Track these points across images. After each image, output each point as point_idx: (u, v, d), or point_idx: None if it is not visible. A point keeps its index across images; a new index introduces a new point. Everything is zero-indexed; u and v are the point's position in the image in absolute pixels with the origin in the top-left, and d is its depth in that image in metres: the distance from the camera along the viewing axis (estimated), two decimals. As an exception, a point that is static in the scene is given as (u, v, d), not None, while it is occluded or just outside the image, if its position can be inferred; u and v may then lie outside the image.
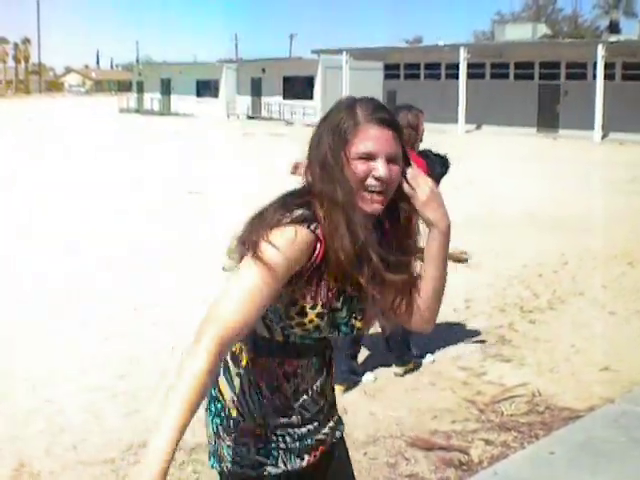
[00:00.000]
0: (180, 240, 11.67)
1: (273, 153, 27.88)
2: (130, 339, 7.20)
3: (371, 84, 50.02)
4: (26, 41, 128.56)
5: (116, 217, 13.85)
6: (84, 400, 5.77)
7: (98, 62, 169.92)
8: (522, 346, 7.03)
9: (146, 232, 12.39)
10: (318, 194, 2.24)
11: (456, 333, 7.28)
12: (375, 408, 5.65)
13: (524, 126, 41.35)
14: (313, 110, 52.29)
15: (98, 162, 23.92)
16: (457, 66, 43.37)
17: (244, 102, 58.34)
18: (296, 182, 2.37)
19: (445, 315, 6.40)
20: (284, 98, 55.19)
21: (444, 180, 6.22)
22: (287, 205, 2.23)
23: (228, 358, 2.45)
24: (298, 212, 2.20)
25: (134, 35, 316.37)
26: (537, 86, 43.43)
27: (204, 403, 2.35)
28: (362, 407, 5.68)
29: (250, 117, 56.60)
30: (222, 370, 2.46)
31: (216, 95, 61.11)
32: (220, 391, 2.49)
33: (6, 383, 6.11)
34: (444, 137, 37.11)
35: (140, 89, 69.18)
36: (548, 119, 42.36)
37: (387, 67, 50.93)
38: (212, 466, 2.54)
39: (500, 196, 16.91)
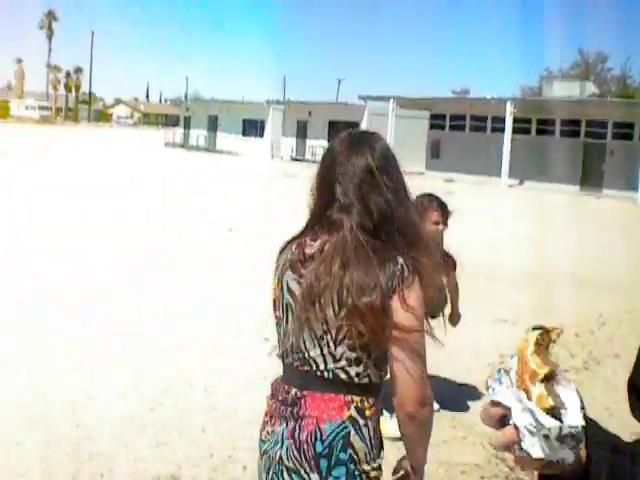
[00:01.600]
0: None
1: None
2: (163, 373, 7.22)
3: (416, 133, 50.23)
4: (78, 70, 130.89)
5: (159, 249, 13.97)
6: (114, 428, 5.80)
7: (147, 95, 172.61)
8: (555, 405, 6.96)
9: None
10: None
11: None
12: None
13: (567, 183, 41.18)
14: (357, 155, 52.34)
15: (145, 193, 24.19)
16: (503, 120, 43.37)
17: (289, 143, 58.67)
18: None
19: (480, 369, 6.37)
20: (328, 141, 55.24)
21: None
22: None
23: (354, 414, 2.39)
24: None
25: (184, 70, 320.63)
26: (582, 144, 43.29)
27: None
28: (388, 458, 5.63)
29: (294, 158, 56.89)
30: (352, 430, 2.39)
31: (261, 135, 61.51)
32: (354, 451, 2.39)
33: (43, 406, 6.16)
34: (486, 190, 37.10)
35: (187, 124, 69.88)
36: (592, 178, 42.15)
37: (433, 117, 51.06)
38: None
39: (543, 253, 16.80)
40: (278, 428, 2.48)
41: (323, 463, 2.37)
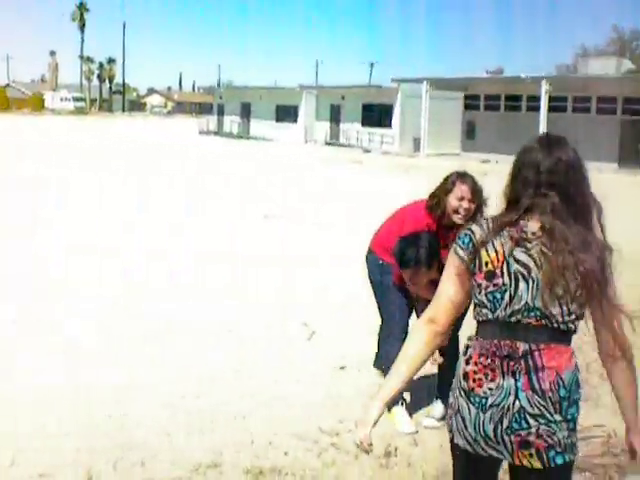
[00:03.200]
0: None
1: (351, 179, 28.02)
2: (208, 360, 7.22)
3: (450, 114, 49.90)
4: (111, 61, 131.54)
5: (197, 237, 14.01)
6: (157, 417, 5.81)
7: (180, 84, 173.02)
8: (599, 386, 6.87)
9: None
10: None
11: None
12: (445, 441, 5.55)
13: (605, 161, 40.70)
14: (391, 138, 52.30)
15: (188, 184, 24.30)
16: (538, 99, 42.92)
17: (322, 128, 58.58)
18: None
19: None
20: (363, 125, 55.27)
21: None
22: None
23: (576, 362, 2.99)
24: None
25: (216, 58, 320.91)
26: (619, 121, 42.74)
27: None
28: (432, 439, 5.60)
29: (328, 143, 56.80)
30: (579, 375, 2.98)
31: (295, 120, 61.46)
32: (580, 392, 2.99)
33: (84, 395, 6.19)
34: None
35: (220, 112, 70.00)
36: (630, 155, 41.63)
37: (467, 97, 50.64)
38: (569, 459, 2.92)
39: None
40: (504, 382, 2.83)
41: (564, 404, 2.85)
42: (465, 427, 2.91)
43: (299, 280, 10.75)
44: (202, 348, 7.57)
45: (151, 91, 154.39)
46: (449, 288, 3.00)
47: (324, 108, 58.80)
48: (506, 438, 2.84)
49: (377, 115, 54.19)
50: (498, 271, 2.88)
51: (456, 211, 5.31)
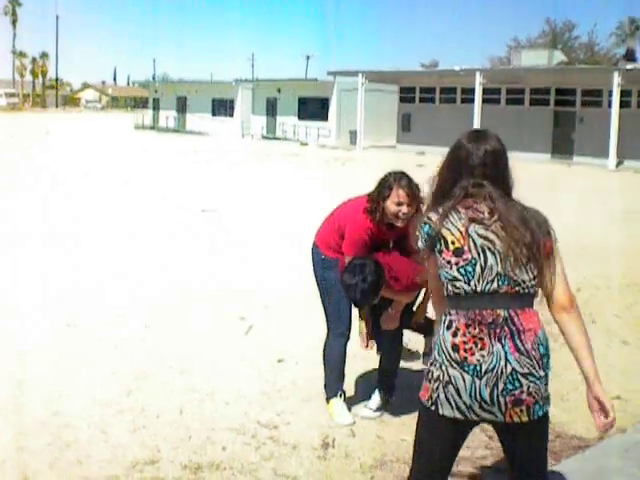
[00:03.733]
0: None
1: (287, 173, 28.03)
2: (139, 357, 7.16)
3: (386, 107, 50.18)
4: (44, 56, 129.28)
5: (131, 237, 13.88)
6: (92, 415, 5.74)
7: (115, 79, 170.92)
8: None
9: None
10: None
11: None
12: (383, 432, 5.61)
13: (538, 152, 41.30)
14: (328, 131, 52.37)
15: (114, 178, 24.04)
16: (473, 91, 43.35)
17: (259, 122, 58.43)
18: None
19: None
20: (299, 119, 55.26)
21: None
22: None
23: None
24: None
25: (151, 52, 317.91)
26: (552, 112, 43.39)
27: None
28: (370, 430, 5.64)
29: (265, 137, 56.70)
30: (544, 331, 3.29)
31: (231, 114, 61.22)
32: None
33: (20, 394, 6.10)
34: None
35: (156, 106, 69.38)
36: (563, 145, 42.30)
37: (402, 90, 50.93)
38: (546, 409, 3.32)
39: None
40: (494, 348, 3.14)
41: (545, 360, 3.23)
42: (459, 396, 3.16)
43: (236, 274, 10.72)
44: (136, 343, 7.50)
45: (85, 86, 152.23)
46: (430, 280, 3.41)
47: (260, 102, 58.66)
48: (501, 400, 3.13)
49: (313, 108, 54.21)
50: (465, 247, 3.20)
51: (396, 215, 5.28)
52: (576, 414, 6.03)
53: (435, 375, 3.22)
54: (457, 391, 3.16)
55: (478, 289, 3.19)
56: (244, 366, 6.96)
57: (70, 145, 40.17)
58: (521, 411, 3.17)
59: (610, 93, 39.15)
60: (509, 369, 3.13)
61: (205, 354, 7.24)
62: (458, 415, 3.18)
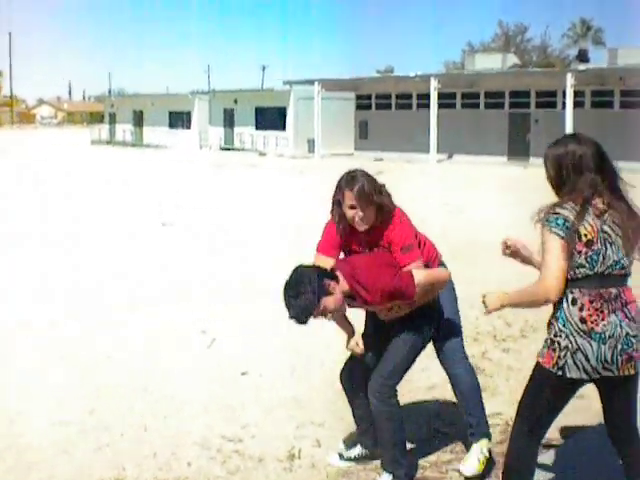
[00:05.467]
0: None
1: (245, 184, 27.98)
2: (100, 373, 7.10)
3: (343, 114, 50.32)
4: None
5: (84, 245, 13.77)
6: (54, 435, 5.68)
7: (70, 94, 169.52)
8: (495, 375, 7.02)
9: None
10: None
11: (430, 361, 7.24)
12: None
13: (495, 155, 41.65)
14: (286, 141, 52.40)
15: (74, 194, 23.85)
16: (428, 96, 43.63)
17: (217, 133, 58.34)
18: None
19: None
20: (257, 129, 55.25)
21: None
22: None
23: None
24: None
25: (107, 67, 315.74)
26: (507, 115, 43.80)
27: None
28: (335, 440, 5.62)
29: (223, 148, 56.59)
30: None
31: (188, 126, 61.09)
32: None
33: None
34: (416, 167, 37.34)
35: (112, 121, 69.05)
36: (519, 147, 42.70)
37: (359, 97, 51.15)
38: None
39: (476, 225, 16.97)
40: (612, 318, 3.82)
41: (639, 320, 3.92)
42: (587, 360, 3.81)
43: (197, 286, 10.67)
44: (98, 361, 7.43)
45: (40, 102, 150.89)
46: (561, 261, 3.84)
47: (217, 113, 58.58)
48: (618, 358, 3.82)
49: (271, 118, 54.22)
50: (595, 239, 3.85)
51: (353, 219, 4.79)
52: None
53: (563, 345, 3.85)
54: (586, 357, 3.81)
55: (598, 272, 3.85)
56: (207, 380, 6.92)
57: (25, 163, 39.75)
58: (631, 365, 3.86)
59: (564, 94, 39.60)
60: (624, 333, 3.83)
61: (167, 369, 7.19)
62: (584, 376, 3.85)
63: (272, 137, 53.30)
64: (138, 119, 66.06)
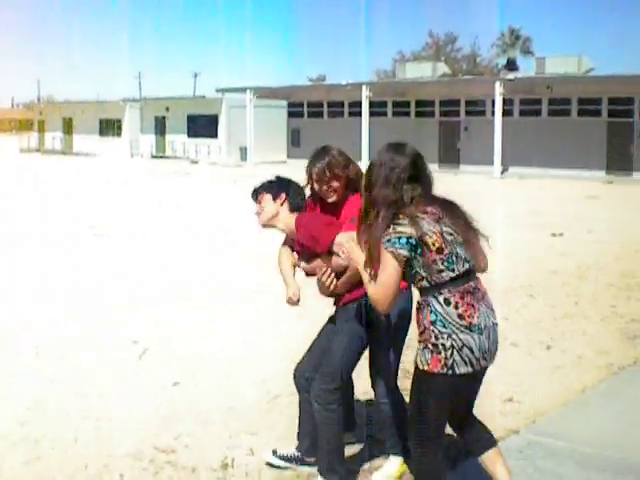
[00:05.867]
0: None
1: (178, 193, 27.82)
2: (30, 384, 6.98)
3: (275, 122, 50.35)
4: None
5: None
6: (-18, 450, 5.57)
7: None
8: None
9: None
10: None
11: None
12: (281, 449, 5.59)
13: (427, 162, 42.02)
14: (218, 148, 52.22)
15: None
16: (360, 104, 43.92)
17: (148, 141, 57.91)
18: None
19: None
20: (188, 137, 54.99)
21: None
22: None
23: None
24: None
25: (35, 73, 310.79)
26: (438, 123, 44.32)
27: None
28: (269, 448, 5.61)
29: (154, 156, 56.17)
30: None
31: (119, 134, 60.54)
32: None
33: None
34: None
35: (41, 128, 68.05)
36: (449, 155, 43.25)
37: (291, 105, 51.27)
38: None
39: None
40: (482, 309, 4.02)
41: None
42: (472, 352, 3.94)
43: (128, 295, 10.57)
44: (28, 372, 7.32)
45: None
46: (395, 281, 3.97)
47: (149, 120, 58.16)
48: (492, 347, 4.05)
49: (203, 126, 54.03)
50: (443, 245, 3.99)
51: (321, 191, 5.01)
52: (470, 419, 6.15)
53: (448, 345, 3.94)
54: (471, 350, 3.94)
55: (458, 272, 4.01)
56: (140, 391, 6.86)
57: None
58: (495, 355, 4.12)
59: (493, 102, 40.22)
60: (492, 322, 4.07)
61: (100, 380, 7.10)
62: (471, 370, 3.97)
63: (204, 145, 53.09)
64: (68, 127, 65.23)
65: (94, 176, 36.30)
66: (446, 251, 4.00)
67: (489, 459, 4.35)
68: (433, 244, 3.96)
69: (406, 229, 3.94)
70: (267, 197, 5.06)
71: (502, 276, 12.07)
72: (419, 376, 4.09)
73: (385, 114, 46.32)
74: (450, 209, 4.15)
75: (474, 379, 4.14)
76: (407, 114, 45.87)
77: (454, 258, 4.02)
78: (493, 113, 40.20)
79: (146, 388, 6.91)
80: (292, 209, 5.04)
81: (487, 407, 6.39)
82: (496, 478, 4.33)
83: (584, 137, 39.05)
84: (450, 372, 3.94)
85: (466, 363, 3.94)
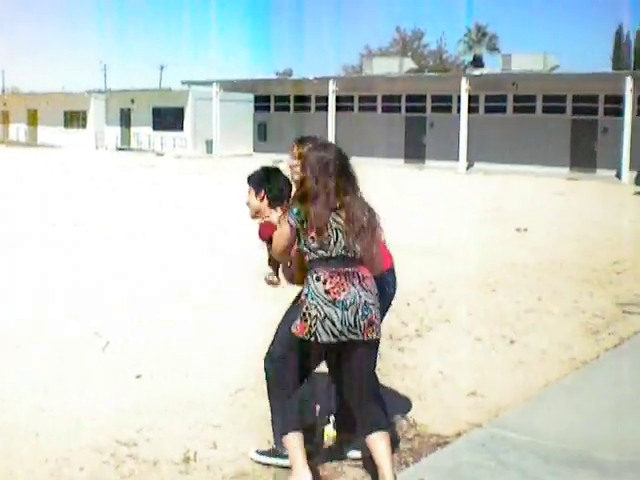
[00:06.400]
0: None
1: (140, 186, 27.67)
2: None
3: (242, 115, 50.21)
4: None
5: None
6: (-61, 443, 5.48)
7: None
8: (390, 374, 7.08)
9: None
10: None
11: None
12: (242, 443, 5.56)
13: (392, 157, 42.19)
14: (184, 141, 52.00)
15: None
16: (327, 99, 43.92)
17: (113, 133, 57.54)
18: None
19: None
20: (154, 129, 54.70)
21: None
22: None
23: None
24: None
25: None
26: (404, 118, 44.42)
27: None
28: (230, 441, 5.58)
29: (119, 148, 55.81)
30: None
31: (84, 126, 60.10)
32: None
33: None
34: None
35: (5, 120, 67.37)
36: (415, 150, 43.37)
37: (257, 99, 51.15)
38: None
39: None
40: (351, 289, 4.52)
41: (378, 296, 4.66)
42: (333, 325, 4.46)
43: (93, 288, 10.47)
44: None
45: None
46: (283, 240, 4.69)
47: (114, 113, 57.78)
48: (361, 322, 4.51)
49: (168, 118, 53.78)
50: (324, 228, 4.57)
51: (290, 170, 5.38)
52: (434, 412, 6.17)
53: (313, 314, 4.48)
54: (332, 322, 4.46)
55: (333, 255, 4.57)
56: (102, 383, 6.78)
57: None
58: (373, 330, 4.56)
59: (459, 99, 40.40)
60: (363, 301, 4.52)
61: (59, 373, 7.02)
62: (333, 339, 4.48)
63: (170, 138, 52.84)
64: (32, 118, 64.64)
65: (62, 170, 35.93)
66: (325, 234, 4.58)
67: (373, 442, 4.63)
68: (317, 224, 4.56)
69: (300, 205, 4.61)
70: (251, 192, 5.34)
71: (466, 271, 12.15)
72: (292, 336, 4.64)
73: (352, 109, 46.36)
74: (357, 206, 4.67)
75: (344, 349, 4.59)
76: (374, 109, 45.93)
77: (332, 243, 4.58)
78: (459, 109, 40.39)
79: (109, 381, 6.84)
80: (271, 204, 5.26)
81: (450, 401, 6.44)
82: (376, 462, 4.60)
83: (549, 134, 39.36)
84: (312, 339, 4.49)
85: (327, 333, 4.46)
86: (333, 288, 4.50)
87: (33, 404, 6.23)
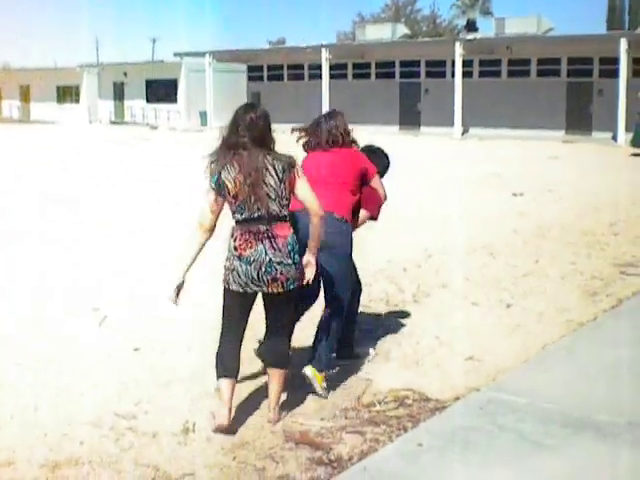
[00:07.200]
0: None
1: (136, 159, 27.57)
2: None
3: (235, 86, 49.94)
4: None
5: None
6: (-62, 421, 5.48)
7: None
8: (388, 340, 7.09)
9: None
10: None
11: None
12: (240, 414, 5.56)
13: (387, 124, 42.03)
14: (177, 114, 51.79)
15: None
16: (320, 67, 43.70)
17: (106, 107, 57.27)
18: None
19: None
20: (147, 102, 54.46)
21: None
22: None
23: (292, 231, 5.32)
24: None
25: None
26: (398, 85, 44.23)
27: None
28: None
29: (113, 122, 55.59)
30: (294, 237, 5.27)
31: (77, 100, 59.78)
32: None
33: None
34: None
35: (-2, 96, 67.03)
36: (410, 117, 43.21)
37: (250, 69, 50.90)
38: (296, 284, 5.27)
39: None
40: (259, 247, 5.04)
41: (292, 254, 5.15)
42: (239, 276, 5.09)
43: (88, 263, 10.45)
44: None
45: None
46: (208, 197, 5.19)
47: (107, 86, 57.49)
48: (264, 278, 5.07)
49: (162, 91, 53.53)
50: (239, 192, 5.06)
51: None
52: (431, 377, 6.19)
53: (227, 265, 5.15)
54: (238, 274, 5.09)
55: (247, 217, 5.07)
56: (100, 358, 6.79)
57: None
58: (277, 285, 5.12)
59: (453, 64, 40.21)
60: (267, 259, 5.05)
61: (59, 349, 7.01)
62: (240, 289, 5.12)
63: (163, 110, 52.62)
64: (25, 94, 64.28)
65: (60, 147, 35.79)
66: (240, 198, 5.06)
67: (271, 375, 5.43)
68: (232, 189, 5.05)
69: (217, 168, 5.13)
70: None
71: (463, 236, 12.14)
72: None
73: (345, 76, 46.13)
74: (247, 162, 5.04)
75: (266, 298, 5.25)
76: (367, 76, 45.71)
77: (245, 206, 5.06)
78: (453, 74, 40.21)
79: (107, 355, 6.84)
80: None
81: (448, 366, 6.45)
82: (269, 392, 5.43)
83: (544, 97, 39.22)
84: (227, 286, 5.19)
85: (235, 283, 5.11)
86: (240, 245, 5.08)
87: (31, 381, 6.24)
